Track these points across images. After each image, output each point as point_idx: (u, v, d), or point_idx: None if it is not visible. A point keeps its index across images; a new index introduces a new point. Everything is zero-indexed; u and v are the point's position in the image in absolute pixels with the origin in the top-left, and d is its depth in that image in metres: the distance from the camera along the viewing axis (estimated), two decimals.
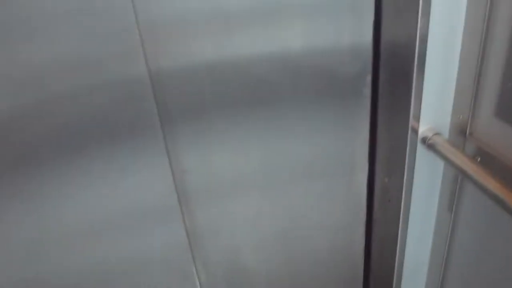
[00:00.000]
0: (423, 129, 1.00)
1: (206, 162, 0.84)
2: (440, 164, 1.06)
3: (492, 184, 0.87)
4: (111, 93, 0.74)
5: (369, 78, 0.84)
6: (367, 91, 0.85)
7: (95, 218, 0.84)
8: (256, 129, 0.84)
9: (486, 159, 0.95)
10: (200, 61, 0.76)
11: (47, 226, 0.82)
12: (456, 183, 1.06)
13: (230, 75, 0.77)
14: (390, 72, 1.01)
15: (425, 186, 1.08)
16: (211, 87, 0.78)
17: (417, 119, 0.99)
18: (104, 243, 0.87)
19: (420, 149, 1.02)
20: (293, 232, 0.98)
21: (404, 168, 1.06)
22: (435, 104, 0.98)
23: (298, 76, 0.81)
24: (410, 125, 0.99)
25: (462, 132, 1.00)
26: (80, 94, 0.73)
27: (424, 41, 0.90)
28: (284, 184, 0.91)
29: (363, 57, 0.83)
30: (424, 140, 1.00)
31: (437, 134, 0.99)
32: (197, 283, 0.97)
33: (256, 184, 0.89)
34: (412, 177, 1.06)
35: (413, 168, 1.04)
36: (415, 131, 1.00)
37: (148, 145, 0.80)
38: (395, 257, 1.22)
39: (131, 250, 0.89)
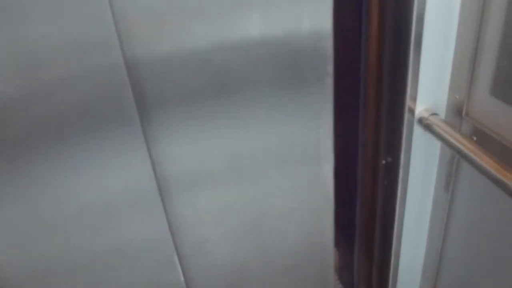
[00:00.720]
0: (420, 109, 1.01)
1: (183, 150, 0.85)
2: (437, 145, 1.07)
3: (488, 163, 0.88)
4: (88, 82, 0.73)
5: (330, 67, 0.84)
6: (329, 80, 0.86)
7: (74, 207, 0.84)
8: (228, 118, 0.84)
9: (482, 138, 0.95)
10: (173, 50, 0.76)
11: (26, 215, 0.82)
12: (453, 163, 1.07)
13: (200, 63, 0.78)
14: (386, 53, 1.01)
15: (422, 167, 1.09)
16: (184, 75, 0.78)
17: (414, 99, 0.99)
18: (83, 232, 0.87)
19: (417, 129, 1.02)
20: (266, 222, 0.99)
21: (401, 150, 1.06)
22: (431, 85, 0.98)
23: (262, 64, 0.81)
24: (406, 106, 1.00)
25: (458, 112, 1.00)
26: (55, 84, 0.72)
27: (421, 20, 0.90)
28: (256, 173, 0.92)
29: (322, 46, 0.83)
30: (420, 121, 1.01)
31: (433, 114, 1.00)
32: (180, 271, 0.98)
33: (233, 172, 0.90)
34: (409, 158, 1.06)
35: (410, 149, 1.05)
36: (412, 112, 1.01)
37: (126, 134, 0.79)
38: (392, 239, 1.23)
39: (113, 239, 0.90)
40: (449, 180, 1.09)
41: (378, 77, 1.05)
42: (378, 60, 1.03)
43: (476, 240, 1.09)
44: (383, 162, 1.15)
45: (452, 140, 0.95)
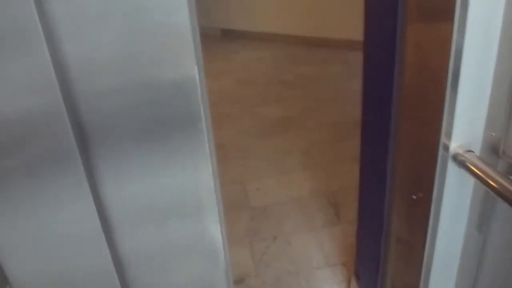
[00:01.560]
0: (455, 145, 0.98)
1: (122, 189, 0.84)
2: (471, 182, 1.04)
3: None
4: (25, 122, 0.72)
5: (201, 124, 0.78)
6: (202, 136, 0.81)
7: (14, 246, 0.83)
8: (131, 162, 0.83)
9: None
10: (109, 87, 0.75)
11: None
12: (487, 202, 1.04)
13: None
14: (421, 87, 1.00)
15: (455, 204, 1.06)
16: (117, 113, 0.76)
17: (449, 135, 0.97)
18: (24, 271, 0.86)
19: (451, 166, 1.00)
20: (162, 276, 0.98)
21: (433, 185, 1.04)
22: (467, 121, 0.96)
23: (132, 114, 0.78)
24: (441, 142, 0.98)
25: (494, 150, 0.98)
26: None
27: (459, 56, 0.89)
28: (147, 221, 0.90)
29: (188, 99, 0.76)
30: (455, 157, 0.98)
31: (469, 151, 0.97)
32: None
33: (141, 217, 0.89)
34: (442, 195, 1.04)
35: (443, 185, 1.02)
36: (446, 148, 0.98)
37: (68, 174, 0.78)
38: (420, 276, 1.19)
39: (56, 277, 0.89)
40: (482, 219, 1.06)
41: (412, 111, 1.03)
42: (412, 94, 1.01)
43: (509, 283, 1.05)
44: (414, 197, 1.13)
45: (487, 178, 0.92)
